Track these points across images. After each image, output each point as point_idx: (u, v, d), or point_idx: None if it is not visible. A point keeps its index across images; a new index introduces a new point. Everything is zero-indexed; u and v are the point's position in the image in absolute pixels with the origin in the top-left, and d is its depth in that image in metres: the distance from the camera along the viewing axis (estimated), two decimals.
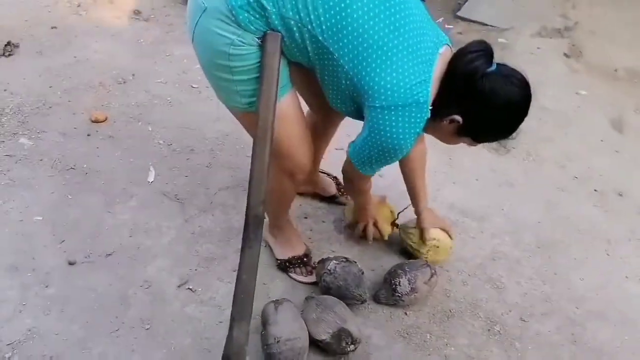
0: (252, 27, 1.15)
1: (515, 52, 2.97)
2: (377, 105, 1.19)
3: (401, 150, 1.26)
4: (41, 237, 1.69)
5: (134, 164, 1.97)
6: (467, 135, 1.28)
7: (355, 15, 1.13)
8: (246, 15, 1.13)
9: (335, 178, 2.00)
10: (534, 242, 1.98)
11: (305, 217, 1.92)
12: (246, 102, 1.26)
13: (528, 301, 1.77)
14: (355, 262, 1.64)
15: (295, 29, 1.16)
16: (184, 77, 2.44)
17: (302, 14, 1.14)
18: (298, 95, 1.41)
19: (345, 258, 1.64)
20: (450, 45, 1.28)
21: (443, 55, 1.23)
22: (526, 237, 1.99)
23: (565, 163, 2.34)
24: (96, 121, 2.12)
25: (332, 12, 1.13)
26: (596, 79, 2.86)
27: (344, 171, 1.49)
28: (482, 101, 1.18)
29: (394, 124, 1.20)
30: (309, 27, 1.15)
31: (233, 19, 1.14)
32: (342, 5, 1.12)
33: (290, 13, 1.14)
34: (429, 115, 1.21)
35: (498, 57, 3.21)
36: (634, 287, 1.86)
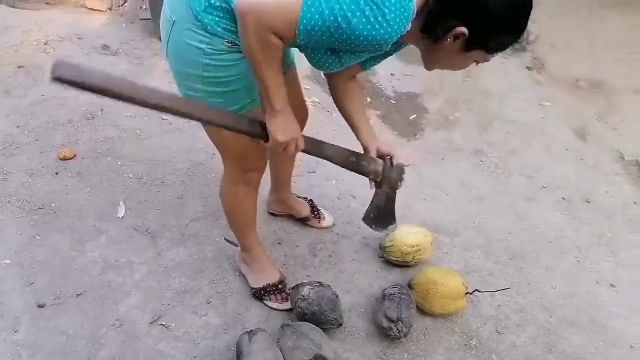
0: (219, 29, 1.16)
1: (480, 67, 3.04)
2: None
3: (384, 40, 1.05)
4: (9, 281, 1.66)
5: (104, 200, 1.96)
6: (477, 47, 1.11)
7: None
8: (210, 17, 1.15)
9: (310, 201, 2.01)
10: (506, 253, 2.01)
11: (279, 243, 1.92)
12: None
13: (502, 313, 1.79)
14: (329, 286, 1.65)
15: None
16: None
17: None
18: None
19: (319, 283, 1.64)
20: None
21: None
22: (498, 249, 2.02)
23: (533, 173, 2.40)
24: (65, 159, 2.10)
25: None
26: (558, 90, 2.96)
27: (255, 7, 1.04)
28: (484, 3, 1.04)
29: None
30: None
31: (200, 24, 1.16)
32: None
33: None
34: (413, 6, 1.05)
35: (464, 72, 3.29)
36: (604, 293, 1.90)
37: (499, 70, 3.03)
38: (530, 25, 3.44)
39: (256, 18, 1.04)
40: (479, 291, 1.73)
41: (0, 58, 2.61)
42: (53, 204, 1.94)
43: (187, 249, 1.83)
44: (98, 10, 3.12)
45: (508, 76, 2.99)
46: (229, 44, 1.17)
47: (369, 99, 2.70)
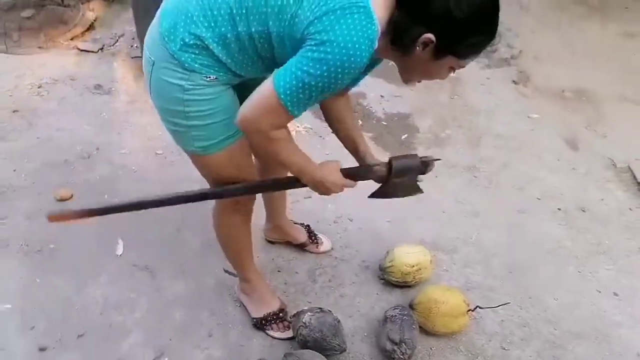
0: (196, 66, 1.19)
1: (467, 84, 3.11)
2: (312, 16, 1.06)
3: (355, 62, 1.07)
4: (10, 326, 1.66)
5: (102, 239, 1.97)
6: (447, 53, 1.12)
7: None
8: (187, 55, 1.18)
9: (307, 226, 2.02)
10: (505, 267, 2.01)
11: (278, 271, 1.92)
12: (200, 146, 1.31)
13: (507, 328, 1.78)
14: (330, 311, 1.65)
15: (233, 39, 1.16)
16: (148, 145, 2.48)
17: (236, 21, 1.14)
18: None
19: (320, 308, 1.64)
20: None
21: None
22: (497, 263, 2.03)
23: (525, 186, 2.42)
24: (62, 199, 2.12)
25: (257, 6, 1.12)
26: (545, 101, 3.00)
27: (247, 120, 1.15)
28: (446, 5, 1.05)
29: (337, 27, 1.04)
30: (244, 30, 1.15)
31: (177, 62, 1.19)
32: None
33: (224, 29, 1.15)
34: (376, 23, 1.07)
35: (451, 91, 3.35)
36: (606, 302, 1.90)
37: (485, 86, 3.08)
38: (514, 41, 3.53)
39: (256, 130, 1.15)
40: (480, 308, 1.73)
41: None
42: (52, 246, 1.94)
43: (187, 283, 1.84)
44: (90, 51, 3.18)
45: (494, 91, 3.04)
46: (208, 79, 1.20)
47: (360, 122, 2.74)
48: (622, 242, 2.15)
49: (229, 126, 1.26)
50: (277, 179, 1.56)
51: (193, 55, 1.18)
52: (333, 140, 2.56)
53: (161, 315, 1.71)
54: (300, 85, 1.08)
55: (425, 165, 1.41)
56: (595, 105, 2.99)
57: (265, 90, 1.12)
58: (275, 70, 1.12)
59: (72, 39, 3.24)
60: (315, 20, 1.06)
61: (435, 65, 1.15)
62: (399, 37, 1.12)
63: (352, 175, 1.35)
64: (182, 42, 1.17)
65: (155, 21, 1.26)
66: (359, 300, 1.84)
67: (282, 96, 1.09)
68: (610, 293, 1.93)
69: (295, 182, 1.34)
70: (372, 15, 1.06)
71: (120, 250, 1.94)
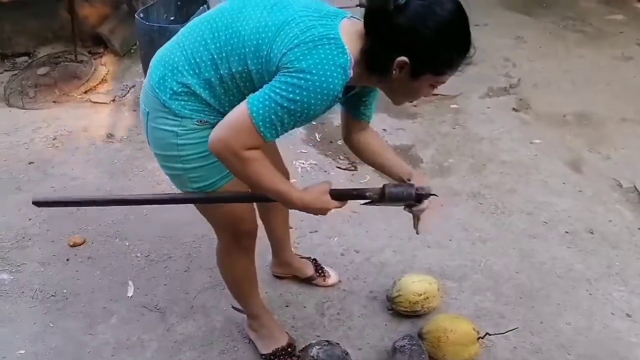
0: (186, 112, 1.25)
1: (468, 114, 3.16)
2: (285, 49, 1.12)
3: (328, 90, 1.11)
4: None
5: (113, 281, 2.01)
6: (425, 71, 1.14)
7: (248, 33, 1.17)
8: (177, 103, 1.25)
9: (314, 260, 2.04)
10: (515, 293, 2.00)
11: (287, 306, 1.93)
12: (197, 187, 1.35)
13: (519, 355, 1.75)
14: (338, 344, 1.65)
15: (217, 82, 1.22)
16: (158, 189, 2.55)
17: (218, 65, 1.20)
18: None
19: (327, 341, 1.64)
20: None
21: (350, 21, 1.20)
22: (506, 289, 2.01)
23: (533, 210, 2.42)
24: (74, 245, 2.18)
25: (236, 49, 1.18)
26: (547, 127, 3.03)
27: (219, 139, 1.14)
28: (413, 29, 1.08)
29: (309, 57, 1.09)
30: (226, 72, 1.20)
31: (168, 110, 1.26)
32: (238, 35, 1.18)
33: (207, 74, 1.21)
34: (347, 52, 1.12)
35: (453, 121, 3.40)
36: (621, 323, 1.86)
37: (486, 115, 3.13)
38: (512, 70, 3.61)
39: (229, 150, 1.14)
40: (489, 334, 1.71)
41: (11, 156, 2.76)
42: (65, 291, 1.99)
43: (196, 321, 1.85)
44: (103, 102, 3.32)
45: (496, 119, 3.09)
46: (199, 123, 1.26)
47: None
48: (633, 263, 2.12)
49: (223, 167, 1.30)
50: None
51: (182, 102, 1.25)
52: (339, 175, 2.64)
53: (172, 354, 1.73)
54: (273, 107, 1.11)
55: (419, 198, 1.36)
56: (596, 128, 3.01)
57: (238, 111, 1.14)
58: (251, 94, 1.15)
59: (85, 93, 3.39)
60: (288, 52, 1.11)
61: (415, 84, 1.17)
62: (375, 64, 1.16)
63: (342, 196, 1.33)
64: (171, 91, 1.24)
65: (147, 75, 1.34)
66: (367, 331, 1.83)
67: (255, 115, 1.11)
68: (624, 315, 1.89)
69: None
70: (342, 46, 1.12)
71: (130, 292, 1.97)
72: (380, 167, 1.53)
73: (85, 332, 1.82)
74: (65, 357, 1.72)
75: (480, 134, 2.97)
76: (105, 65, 3.66)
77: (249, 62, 1.18)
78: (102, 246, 2.19)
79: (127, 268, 2.08)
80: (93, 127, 3.05)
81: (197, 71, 1.23)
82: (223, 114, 1.25)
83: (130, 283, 2.01)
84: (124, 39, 3.71)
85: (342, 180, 2.60)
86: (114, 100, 3.33)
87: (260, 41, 1.16)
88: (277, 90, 1.11)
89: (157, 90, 1.27)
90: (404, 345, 1.63)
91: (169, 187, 2.51)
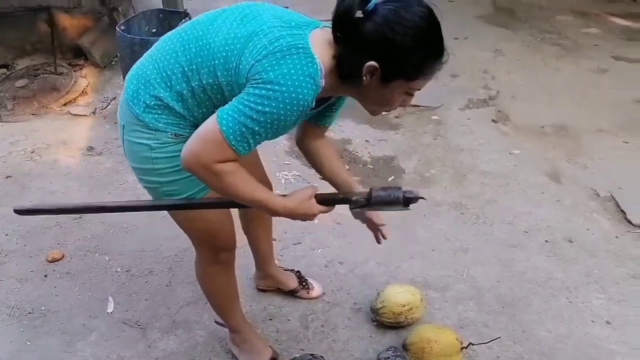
0: (160, 125, 1.24)
1: (448, 125, 3.20)
2: (253, 60, 1.11)
3: (298, 100, 1.09)
4: None
5: (93, 297, 1.97)
6: (395, 77, 1.13)
7: (217, 44, 1.17)
8: (150, 116, 1.24)
9: (297, 272, 2.03)
10: (497, 302, 2.01)
11: (270, 319, 1.92)
12: None
13: None
14: (322, 357, 1.64)
15: (189, 95, 1.21)
16: None
17: (189, 77, 1.20)
18: None
19: (312, 355, 1.64)
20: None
21: (322, 30, 1.19)
22: (489, 299, 2.03)
23: (513, 220, 2.45)
24: (53, 261, 2.14)
25: (206, 61, 1.18)
26: (525, 138, 3.09)
27: (191, 152, 1.13)
28: (382, 34, 1.08)
29: (277, 68, 1.09)
30: (197, 84, 1.20)
31: (142, 124, 1.25)
32: (207, 47, 1.18)
33: (179, 87, 1.21)
34: (317, 62, 1.11)
35: (434, 133, 3.42)
36: (601, 331, 1.89)
37: (466, 127, 3.17)
38: (491, 83, 3.68)
39: (201, 164, 1.12)
40: (473, 344, 1.72)
41: None
42: (43, 307, 1.94)
43: (178, 337, 1.83)
44: (82, 115, 3.28)
45: (475, 131, 3.13)
46: (173, 136, 1.26)
47: (347, 167, 2.80)
48: (611, 270, 2.16)
49: (198, 180, 1.27)
50: None
51: (156, 115, 1.24)
52: (323, 186, 2.63)
53: None
54: (242, 119, 1.09)
55: (407, 202, 1.31)
56: (574, 139, 3.08)
57: (208, 124, 1.12)
58: (220, 107, 1.13)
59: (65, 105, 3.35)
60: (256, 63, 1.10)
61: (387, 91, 1.16)
62: (345, 71, 1.15)
63: (328, 202, 1.30)
64: (144, 105, 1.24)
65: (123, 89, 1.34)
66: (352, 344, 1.83)
67: (224, 128, 1.09)
68: (603, 322, 1.92)
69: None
70: (312, 55, 1.11)
71: (110, 307, 1.93)
72: (327, 176, 1.54)
73: (63, 350, 1.78)
74: None
75: (460, 145, 3.01)
76: (85, 78, 3.62)
77: (218, 74, 1.18)
78: (82, 261, 2.15)
79: (107, 283, 2.04)
80: (73, 139, 3.01)
81: (169, 84, 1.22)
82: (197, 126, 1.23)
83: (110, 299, 1.97)
84: (105, 51, 3.68)
85: (325, 191, 2.60)
86: (94, 113, 3.30)
87: (229, 53, 1.16)
88: (246, 103, 1.09)
89: (131, 104, 1.26)
90: (389, 357, 1.63)
91: (149, 199, 2.49)
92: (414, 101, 1.23)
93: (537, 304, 2.00)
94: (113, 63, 3.71)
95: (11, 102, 3.34)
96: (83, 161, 2.84)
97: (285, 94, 1.08)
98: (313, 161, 1.55)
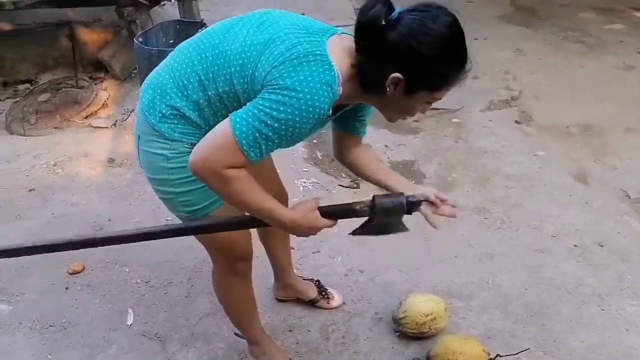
0: (176, 135, 1.23)
1: (470, 128, 3.13)
2: (269, 67, 1.09)
3: (314, 107, 1.08)
4: None
5: (113, 310, 1.97)
6: (420, 88, 1.12)
7: (234, 52, 1.16)
8: (167, 126, 1.23)
9: (317, 282, 2.00)
10: (525, 311, 1.94)
11: (290, 330, 1.88)
12: (188, 211, 1.33)
13: None
14: None
15: (205, 104, 1.20)
16: (158, 212, 2.51)
17: (206, 86, 1.18)
18: None
19: None
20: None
21: (340, 37, 1.17)
22: (516, 307, 1.96)
23: (539, 224, 2.37)
24: (74, 273, 2.15)
25: (222, 69, 1.17)
26: (550, 138, 2.99)
27: (200, 157, 1.11)
28: (407, 44, 1.06)
29: (293, 75, 1.07)
30: (214, 93, 1.18)
31: (158, 134, 1.24)
32: (224, 55, 1.17)
33: (196, 96, 1.19)
34: (334, 69, 1.10)
35: (455, 136, 3.36)
36: (636, 339, 1.80)
37: (487, 128, 3.10)
38: (512, 83, 3.59)
39: (209, 169, 1.10)
40: (500, 356, 1.65)
41: (12, 184, 2.75)
42: (64, 320, 1.95)
43: (198, 349, 1.81)
44: (104, 127, 3.32)
45: (498, 133, 3.05)
46: (189, 146, 1.23)
47: None
48: None
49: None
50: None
51: (172, 125, 1.23)
52: (341, 193, 2.60)
53: None
54: (257, 124, 1.07)
55: (411, 206, 1.30)
56: (601, 139, 2.98)
57: (221, 128, 1.10)
58: (234, 111, 1.11)
59: (86, 118, 3.40)
60: (273, 70, 1.09)
61: (410, 101, 1.15)
62: (367, 81, 1.13)
63: (331, 214, 1.26)
64: (160, 114, 1.23)
65: (139, 100, 1.33)
66: (374, 356, 1.78)
67: (237, 132, 1.07)
68: (639, 330, 1.83)
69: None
70: (329, 62, 1.09)
71: (130, 320, 1.93)
72: (376, 182, 1.47)
73: None
74: None
75: (482, 147, 2.94)
76: (106, 90, 3.68)
77: (235, 81, 1.16)
78: (102, 273, 2.16)
79: (127, 295, 2.04)
80: (94, 152, 3.05)
81: (185, 93, 1.21)
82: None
83: (130, 311, 1.97)
84: (124, 63, 3.73)
85: (345, 199, 2.57)
86: (114, 125, 3.33)
87: (245, 60, 1.14)
88: (261, 108, 1.07)
89: (147, 114, 1.25)
90: None
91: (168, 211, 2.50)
92: (433, 104, 1.22)
93: (567, 312, 1.92)
94: (133, 75, 3.76)
95: (34, 117, 3.41)
96: (104, 173, 2.86)
97: (302, 101, 1.06)
98: (357, 172, 1.51)
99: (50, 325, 1.93)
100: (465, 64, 1.12)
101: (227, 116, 1.18)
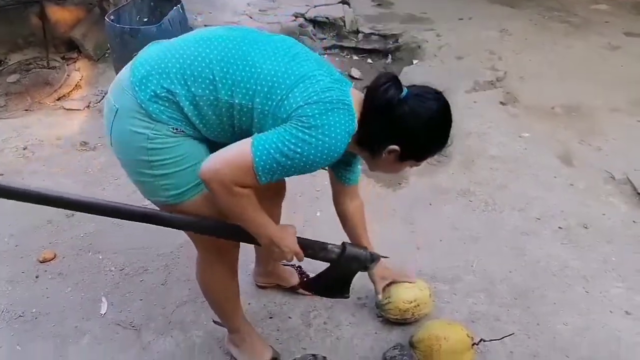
0: (164, 117, 1.18)
1: (455, 108, 3.04)
2: (303, 102, 1.16)
3: (333, 151, 1.17)
4: None
5: (86, 298, 1.89)
6: (409, 158, 1.30)
7: (265, 72, 1.19)
8: (156, 106, 1.17)
9: (299, 267, 1.94)
10: (510, 294, 1.91)
11: (270, 317, 1.83)
12: (168, 195, 1.26)
13: None
14: (324, 357, 1.55)
15: (207, 103, 1.18)
16: (134, 197, 2.41)
17: (218, 88, 1.17)
18: None
19: (313, 355, 1.55)
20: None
21: (354, 91, 1.27)
22: (501, 290, 1.93)
23: (524, 206, 2.34)
24: (44, 261, 2.06)
25: (248, 81, 1.18)
26: (535, 119, 2.96)
27: (215, 170, 1.13)
28: (409, 124, 1.22)
29: (324, 118, 1.15)
30: (225, 98, 1.18)
31: (144, 112, 1.17)
32: (253, 70, 1.19)
33: (200, 91, 1.18)
34: (355, 121, 1.20)
35: None
36: (620, 322, 1.78)
37: (473, 110, 3.05)
38: (498, 63, 3.53)
39: (219, 181, 1.13)
40: (484, 340, 1.62)
41: None
42: (34, 310, 1.87)
43: (174, 338, 1.74)
44: (76, 109, 3.19)
45: (483, 114, 3.01)
46: (174, 130, 1.20)
47: None
48: (630, 257, 2.05)
49: (194, 174, 1.21)
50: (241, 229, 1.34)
51: (162, 108, 1.18)
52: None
53: None
54: (277, 157, 1.13)
55: (371, 260, 1.49)
56: (586, 119, 2.95)
57: (241, 148, 1.14)
58: (256, 135, 1.15)
59: (58, 100, 3.26)
60: (306, 105, 1.15)
61: (397, 166, 1.32)
62: (366, 142, 1.26)
63: (305, 246, 1.36)
64: (152, 93, 1.17)
65: (125, 71, 1.24)
66: (356, 342, 1.74)
67: (257, 159, 1.12)
68: (623, 312, 1.81)
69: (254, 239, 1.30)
70: (353, 114, 1.20)
71: (104, 309, 1.85)
72: (348, 235, 1.66)
73: (55, 354, 1.70)
74: None
75: (468, 129, 2.88)
76: (79, 71, 3.53)
77: (257, 99, 1.18)
78: (74, 261, 2.07)
79: (101, 283, 1.96)
80: (66, 135, 2.92)
81: (188, 83, 1.17)
82: (200, 132, 1.23)
83: (104, 299, 1.89)
84: (97, 42, 3.58)
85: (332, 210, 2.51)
86: (88, 107, 3.21)
87: (276, 84, 1.18)
88: (286, 142, 1.13)
89: (136, 89, 1.18)
90: (395, 356, 1.54)
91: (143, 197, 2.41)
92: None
93: (552, 295, 1.89)
94: (106, 55, 3.61)
95: (3, 98, 3.26)
96: (77, 157, 2.75)
97: (326, 144, 1.15)
98: (342, 222, 1.65)
99: (20, 315, 1.84)
100: (447, 142, 1.31)
101: (228, 122, 1.22)
